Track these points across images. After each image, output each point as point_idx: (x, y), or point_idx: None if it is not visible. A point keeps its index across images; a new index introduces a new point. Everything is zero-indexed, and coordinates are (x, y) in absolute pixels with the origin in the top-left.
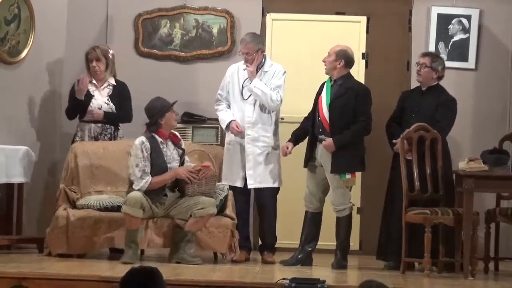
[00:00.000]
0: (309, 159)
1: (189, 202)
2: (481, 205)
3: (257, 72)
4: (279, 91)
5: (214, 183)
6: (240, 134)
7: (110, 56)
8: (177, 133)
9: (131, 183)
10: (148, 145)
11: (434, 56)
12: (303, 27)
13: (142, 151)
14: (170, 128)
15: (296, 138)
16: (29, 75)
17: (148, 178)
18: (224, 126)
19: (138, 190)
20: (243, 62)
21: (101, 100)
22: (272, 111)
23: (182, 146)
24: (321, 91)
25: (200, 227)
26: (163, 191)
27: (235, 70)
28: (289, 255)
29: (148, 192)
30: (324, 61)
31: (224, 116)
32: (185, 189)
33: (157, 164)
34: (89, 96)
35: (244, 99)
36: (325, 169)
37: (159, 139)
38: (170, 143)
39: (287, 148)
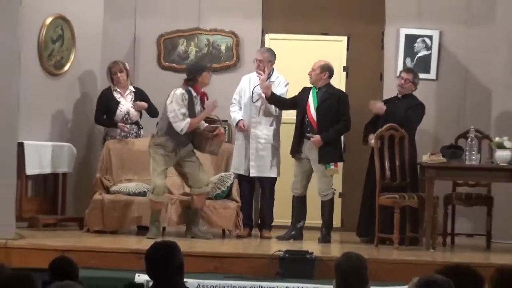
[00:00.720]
0: (297, 152)
1: (191, 174)
2: (440, 190)
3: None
4: None
5: (221, 145)
6: (245, 132)
7: (128, 67)
8: (206, 93)
9: (167, 124)
10: (187, 96)
11: (415, 73)
12: (295, 45)
13: (183, 100)
14: (204, 85)
15: (276, 98)
16: (70, 85)
17: (188, 119)
18: (234, 124)
19: (180, 131)
20: (255, 72)
21: (127, 105)
22: (275, 114)
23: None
24: (306, 95)
25: (203, 202)
26: (189, 141)
27: (248, 79)
28: (283, 232)
29: (179, 136)
30: (310, 74)
31: (235, 116)
32: (200, 145)
33: (189, 115)
34: (116, 103)
35: (253, 102)
36: (311, 161)
37: (194, 94)
38: (199, 100)
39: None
